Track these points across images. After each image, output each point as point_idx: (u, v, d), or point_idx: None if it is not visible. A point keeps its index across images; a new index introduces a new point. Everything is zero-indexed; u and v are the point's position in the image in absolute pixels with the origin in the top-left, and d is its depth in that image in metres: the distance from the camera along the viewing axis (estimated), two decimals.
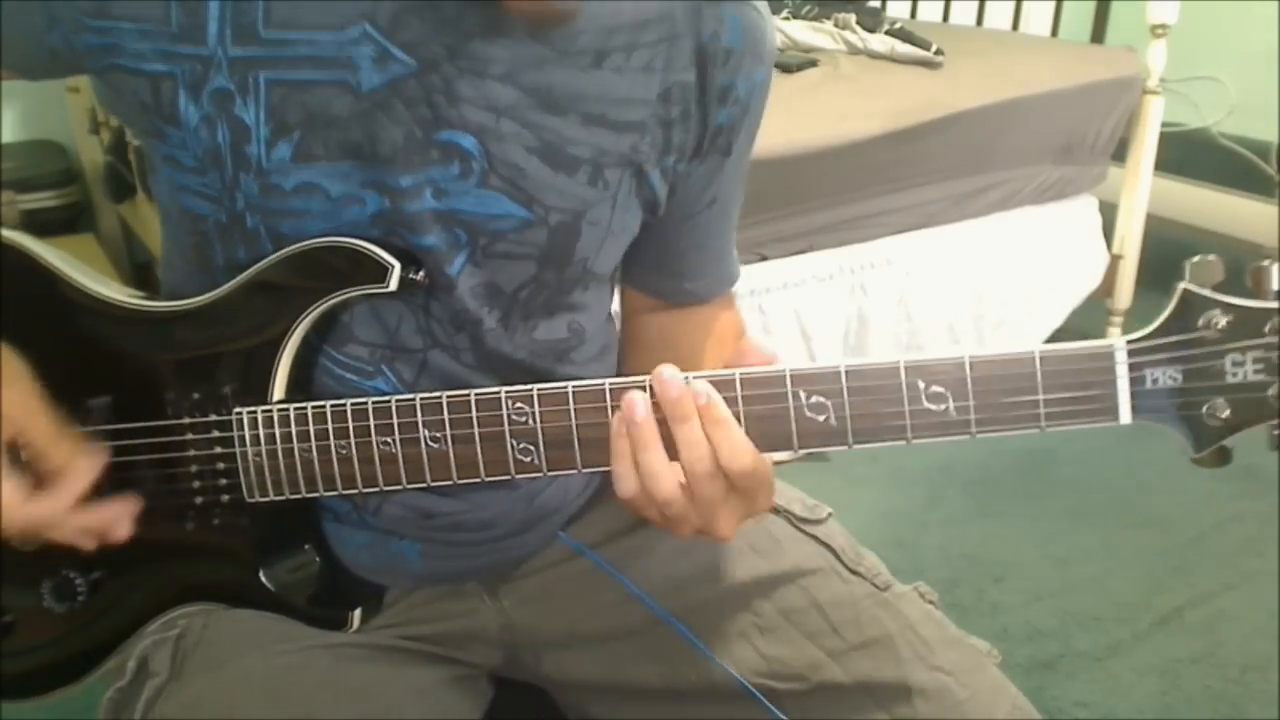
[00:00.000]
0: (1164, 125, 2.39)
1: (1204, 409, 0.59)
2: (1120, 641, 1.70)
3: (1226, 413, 0.59)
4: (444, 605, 0.81)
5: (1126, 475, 2.13)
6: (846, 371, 0.61)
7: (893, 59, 2.32)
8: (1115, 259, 2.46)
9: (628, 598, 0.80)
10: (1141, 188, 2.41)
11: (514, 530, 0.80)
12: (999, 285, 2.31)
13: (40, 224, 2.57)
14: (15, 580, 0.74)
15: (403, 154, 0.67)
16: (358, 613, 0.75)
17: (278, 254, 0.69)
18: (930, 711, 0.74)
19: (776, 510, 0.84)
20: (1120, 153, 2.41)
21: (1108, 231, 2.45)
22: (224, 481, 0.71)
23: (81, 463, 0.68)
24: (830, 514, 0.85)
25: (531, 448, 0.65)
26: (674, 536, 0.65)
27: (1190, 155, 2.93)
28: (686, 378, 0.62)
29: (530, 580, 0.82)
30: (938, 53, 2.25)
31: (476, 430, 0.66)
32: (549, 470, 0.66)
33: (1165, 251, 0.64)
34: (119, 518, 0.69)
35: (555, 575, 0.82)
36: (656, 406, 0.62)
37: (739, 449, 0.61)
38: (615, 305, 0.88)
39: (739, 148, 0.77)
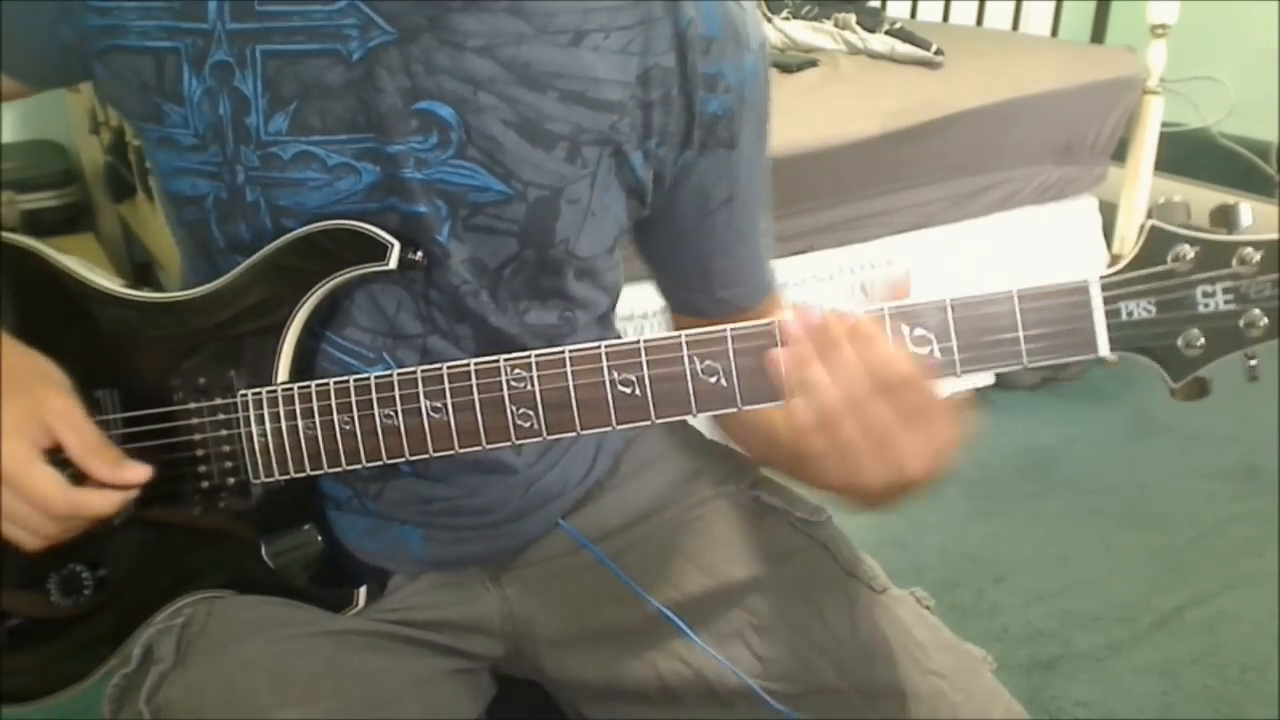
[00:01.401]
0: (1164, 125, 2.39)
1: (1179, 340, 0.61)
2: (1120, 641, 1.70)
3: (1201, 342, 0.61)
4: (447, 592, 0.81)
5: (1126, 475, 2.13)
6: None
7: (893, 59, 2.32)
8: (1115, 259, 2.45)
9: (625, 593, 0.80)
10: (1141, 188, 2.40)
11: (512, 516, 0.80)
12: (999, 285, 2.30)
13: (40, 224, 2.57)
14: (21, 578, 0.75)
15: (388, 123, 0.68)
16: (363, 591, 0.75)
17: (280, 239, 0.70)
18: (924, 715, 0.74)
19: (776, 511, 0.84)
20: (1120, 153, 2.41)
21: (1108, 231, 2.45)
22: (229, 464, 0.72)
23: (128, 472, 0.70)
24: (829, 516, 0.84)
25: (531, 412, 0.66)
26: (866, 500, 0.65)
27: (1190, 155, 2.93)
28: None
29: (532, 569, 0.83)
30: (938, 53, 2.25)
31: (476, 398, 0.67)
32: (549, 433, 0.66)
33: None
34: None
35: (557, 566, 0.83)
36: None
37: (888, 357, 0.61)
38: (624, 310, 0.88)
39: (746, 141, 0.76)
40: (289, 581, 0.74)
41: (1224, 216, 0.60)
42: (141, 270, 2.72)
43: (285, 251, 0.70)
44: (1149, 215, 0.62)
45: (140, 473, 0.70)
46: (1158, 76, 2.32)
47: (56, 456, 0.68)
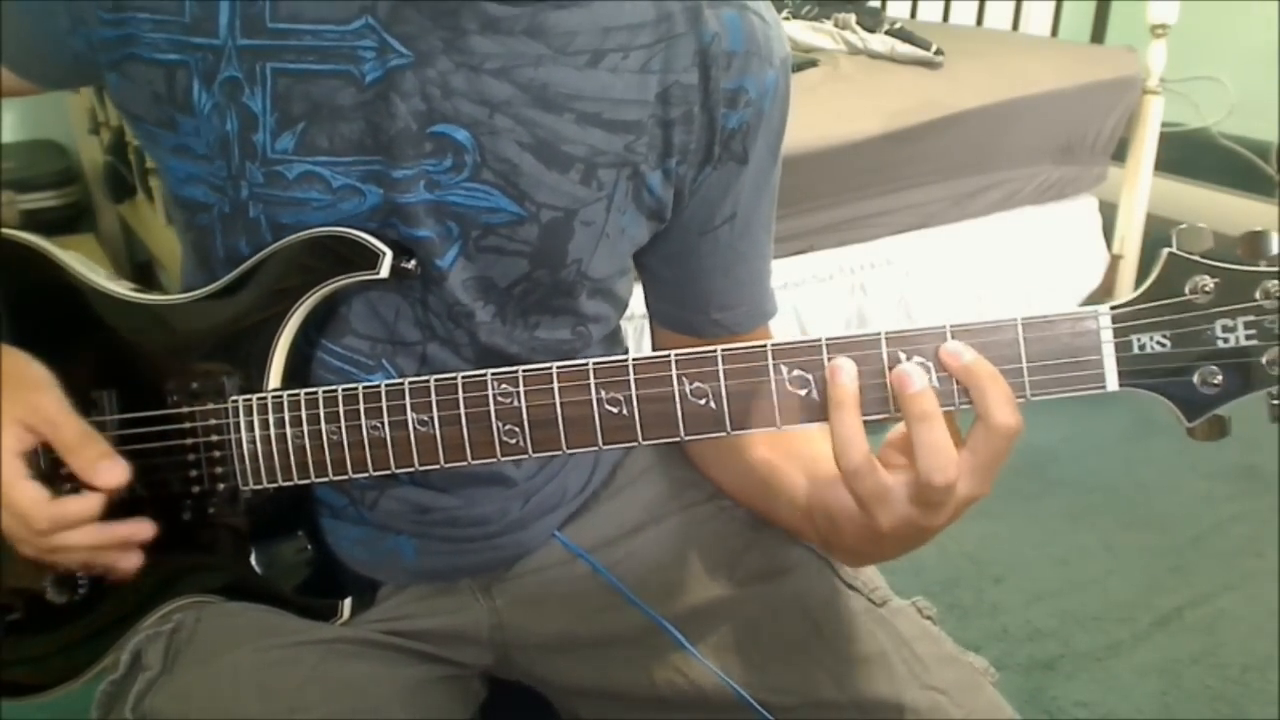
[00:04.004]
0: (1164, 125, 2.39)
1: (1195, 376, 0.58)
2: (1120, 641, 1.70)
3: (1219, 379, 0.57)
4: (436, 602, 0.81)
5: (1126, 475, 2.13)
6: (828, 344, 0.61)
7: (893, 59, 2.31)
8: (1115, 259, 2.45)
9: (621, 602, 0.80)
10: (1141, 188, 2.40)
11: (508, 528, 0.80)
12: (999, 285, 2.31)
13: (40, 224, 2.57)
14: (19, 575, 0.75)
15: (399, 146, 0.68)
16: (348, 603, 0.75)
17: (274, 245, 0.70)
18: None
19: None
20: (1120, 153, 2.41)
21: (1108, 231, 2.45)
22: (220, 470, 0.72)
23: (112, 466, 0.69)
24: None
25: (516, 429, 0.65)
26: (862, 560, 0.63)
27: (1190, 155, 2.93)
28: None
29: (524, 580, 0.82)
30: (938, 53, 2.25)
31: (463, 412, 0.65)
32: (534, 450, 0.65)
33: None
34: (132, 537, 0.71)
35: (550, 577, 0.82)
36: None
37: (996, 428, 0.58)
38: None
39: (757, 156, 0.75)
40: (277, 589, 0.74)
41: (1252, 244, 0.56)
42: (141, 270, 2.72)
43: (279, 258, 0.70)
44: (1169, 242, 0.58)
45: (117, 474, 0.69)
46: (1158, 76, 2.32)
47: (49, 457, 0.68)
